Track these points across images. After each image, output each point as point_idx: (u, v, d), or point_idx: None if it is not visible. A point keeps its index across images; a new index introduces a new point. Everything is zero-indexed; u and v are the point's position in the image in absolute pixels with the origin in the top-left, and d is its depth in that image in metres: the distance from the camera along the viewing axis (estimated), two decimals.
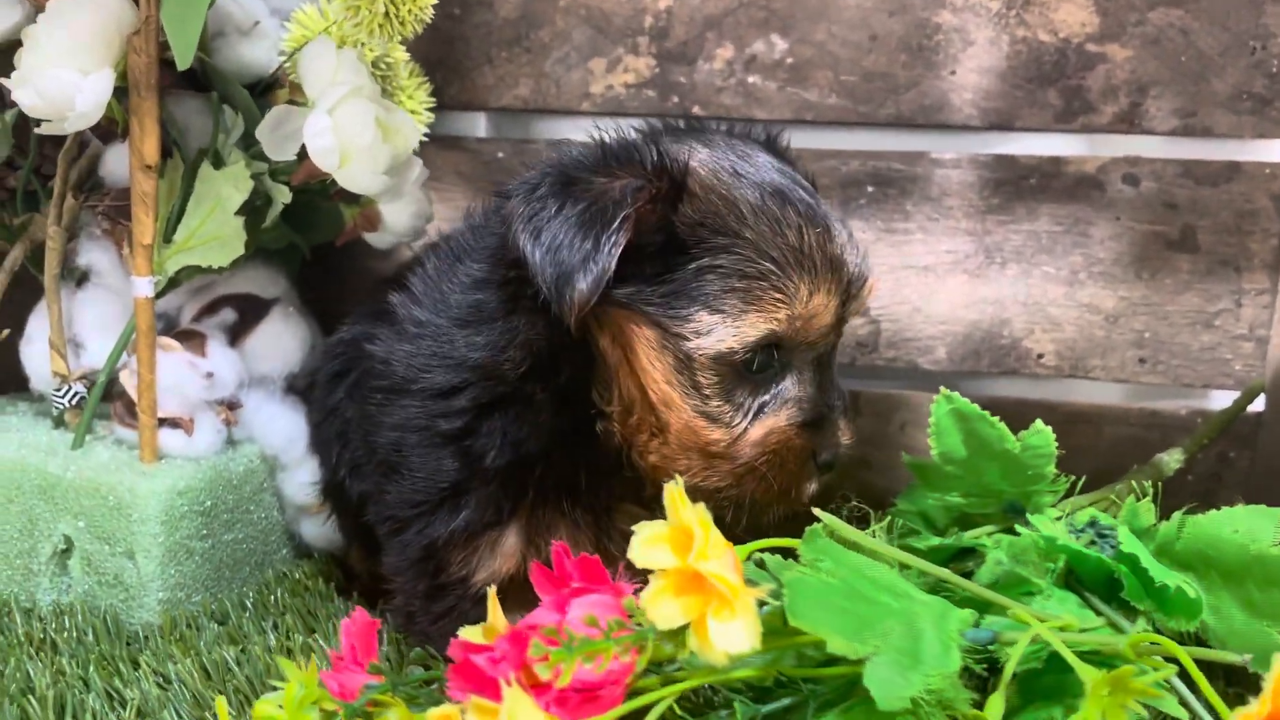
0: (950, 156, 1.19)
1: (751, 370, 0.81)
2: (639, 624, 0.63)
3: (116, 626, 0.95)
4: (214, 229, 0.96)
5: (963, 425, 0.88)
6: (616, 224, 0.76)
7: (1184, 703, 0.70)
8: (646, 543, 0.63)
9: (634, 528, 0.64)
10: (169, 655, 0.89)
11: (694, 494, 0.73)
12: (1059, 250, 1.18)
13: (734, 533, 0.80)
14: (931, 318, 1.22)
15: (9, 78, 0.88)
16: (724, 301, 0.79)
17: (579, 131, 1.26)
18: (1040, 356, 1.21)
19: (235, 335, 1.06)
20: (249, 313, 1.07)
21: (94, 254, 1.04)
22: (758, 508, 0.85)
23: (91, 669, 0.87)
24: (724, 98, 1.21)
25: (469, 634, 0.79)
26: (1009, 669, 0.65)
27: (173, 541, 0.97)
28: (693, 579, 0.63)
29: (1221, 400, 1.21)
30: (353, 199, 1.06)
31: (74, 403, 1.04)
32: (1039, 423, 0.87)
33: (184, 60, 0.84)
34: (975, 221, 1.19)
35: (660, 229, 0.79)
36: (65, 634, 0.92)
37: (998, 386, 1.27)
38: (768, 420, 0.82)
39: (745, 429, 0.82)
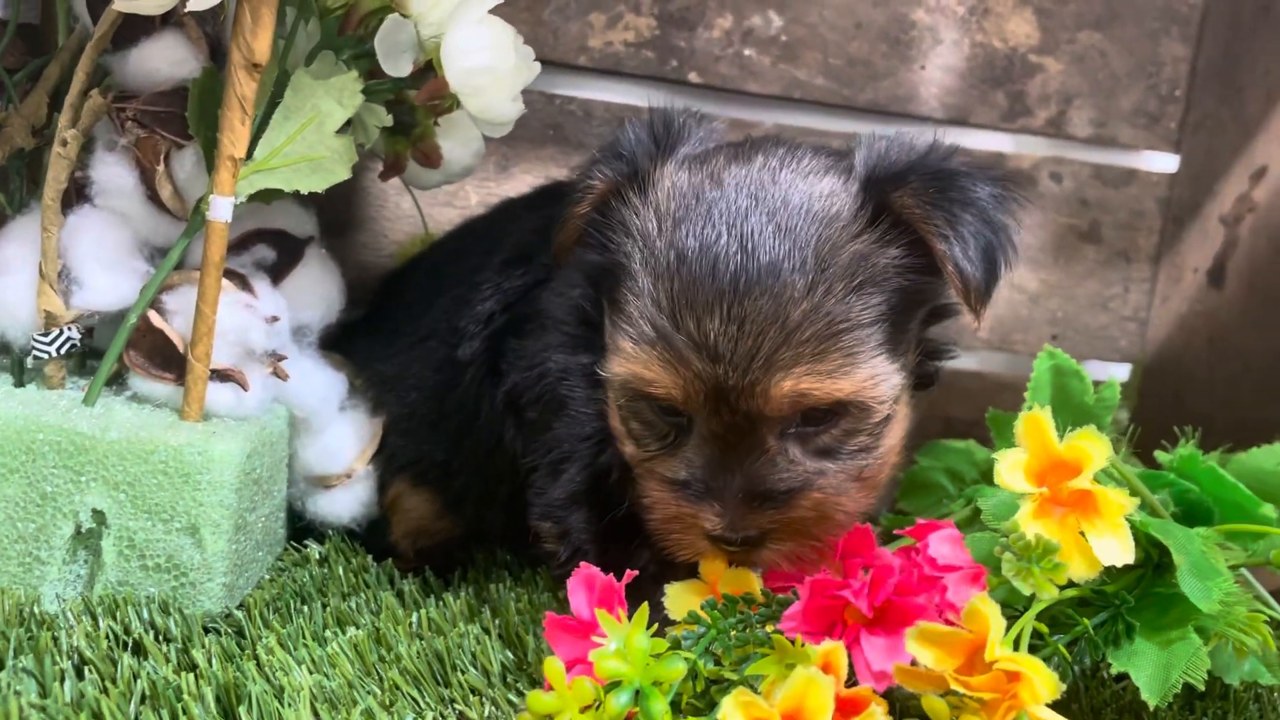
0: None
1: (660, 410, 0.71)
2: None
3: (181, 617, 0.78)
4: (305, 148, 0.82)
5: (1057, 379, 0.97)
6: (569, 209, 0.75)
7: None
8: (1010, 469, 0.66)
9: (994, 455, 0.66)
10: (296, 640, 0.76)
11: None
12: None
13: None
14: None
15: None
16: (612, 326, 0.71)
17: (572, 86, 1.22)
18: (977, 330, 1.34)
19: (274, 277, 0.91)
20: (284, 252, 0.92)
21: (110, 168, 0.83)
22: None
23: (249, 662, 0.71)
24: (721, 66, 1.23)
25: (678, 591, 0.76)
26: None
27: (238, 514, 0.82)
28: (1043, 504, 0.66)
29: (1101, 371, 1.41)
30: (403, 130, 0.95)
31: (62, 351, 0.84)
32: (1111, 377, 0.99)
33: None
34: None
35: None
36: (143, 631, 0.75)
37: None
38: (665, 462, 0.72)
39: (655, 455, 0.72)
